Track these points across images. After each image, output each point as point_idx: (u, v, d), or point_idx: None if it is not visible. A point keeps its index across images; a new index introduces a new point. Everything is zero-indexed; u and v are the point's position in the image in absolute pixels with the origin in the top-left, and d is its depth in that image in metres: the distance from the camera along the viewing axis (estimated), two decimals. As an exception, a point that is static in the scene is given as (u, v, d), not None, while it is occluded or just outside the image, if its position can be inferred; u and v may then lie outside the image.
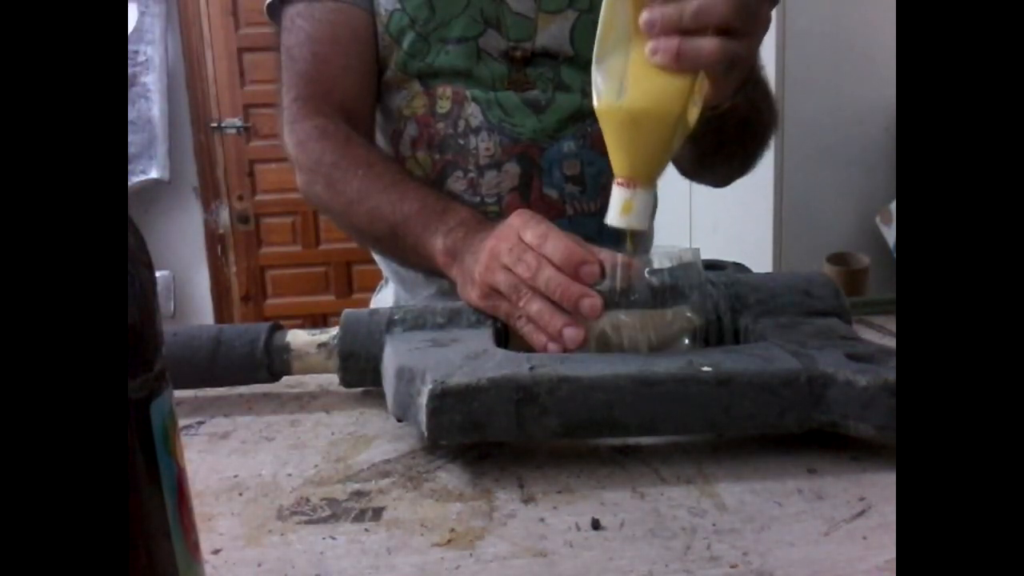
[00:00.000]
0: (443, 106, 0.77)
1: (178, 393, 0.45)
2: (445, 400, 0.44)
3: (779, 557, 0.36)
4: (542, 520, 0.40)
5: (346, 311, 0.57)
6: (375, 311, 0.57)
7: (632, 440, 0.48)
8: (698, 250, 0.52)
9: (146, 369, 0.25)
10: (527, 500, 0.42)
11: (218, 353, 0.55)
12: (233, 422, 0.54)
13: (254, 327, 0.57)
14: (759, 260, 1.78)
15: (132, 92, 2.80)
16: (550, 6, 0.75)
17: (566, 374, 0.45)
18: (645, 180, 0.51)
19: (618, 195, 0.51)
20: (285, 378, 0.58)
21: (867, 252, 1.73)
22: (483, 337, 0.53)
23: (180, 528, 0.26)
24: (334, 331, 0.56)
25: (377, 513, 0.41)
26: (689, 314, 0.51)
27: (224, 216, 3.09)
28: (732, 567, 0.36)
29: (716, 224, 2.01)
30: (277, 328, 0.57)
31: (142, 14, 2.83)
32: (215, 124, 3.00)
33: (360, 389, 0.58)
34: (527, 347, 0.53)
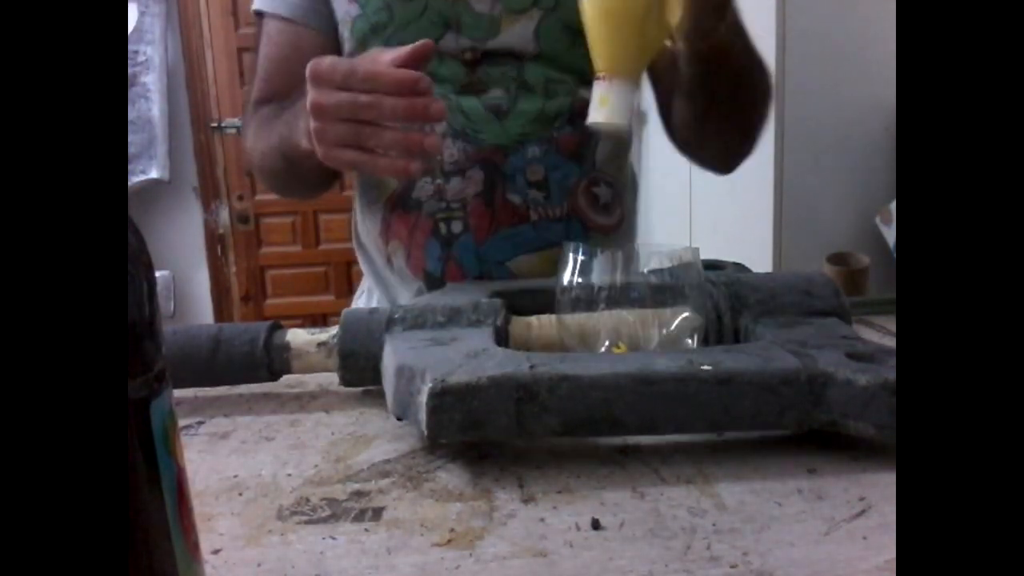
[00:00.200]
0: None
1: (178, 393, 0.45)
2: (445, 398, 0.44)
3: (779, 557, 0.36)
4: (542, 520, 0.40)
5: (346, 310, 0.57)
6: (375, 310, 0.57)
7: (632, 440, 0.48)
8: (698, 250, 0.53)
9: (146, 369, 0.25)
10: (527, 500, 0.42)
11: (218, 352, 0.55)
12: (233, 422, 0.54)
13: (254, 326, 0.57)
14: (759, 260, 1.78)
15: (132, 92, 2.80)
16: (515, 5, 0.75)
17: (566, 372, 0.45)
18: (622, 73, 0.53)
19: (596, 90, 0.54)
20: (285, 378, 0.58)
21: (867, 252, 1.73)
22: (483, 336, 0.53)
23: (180, 528, 0.26)
24: (334, 330, 0.56)
25: (377, 513, 0.41)
26: (689, 314, 0.51)
27: (224, 216, 3.09)
28: (732, 567, 0.36)
29: (716, 224, 2.01)
30: (277, 327, 0.57)
31: (142, 14, 2.83)
32: (215, 124, 3.00)
33: (360, 389, 0.58)
34: (527, 346, 0.53)
